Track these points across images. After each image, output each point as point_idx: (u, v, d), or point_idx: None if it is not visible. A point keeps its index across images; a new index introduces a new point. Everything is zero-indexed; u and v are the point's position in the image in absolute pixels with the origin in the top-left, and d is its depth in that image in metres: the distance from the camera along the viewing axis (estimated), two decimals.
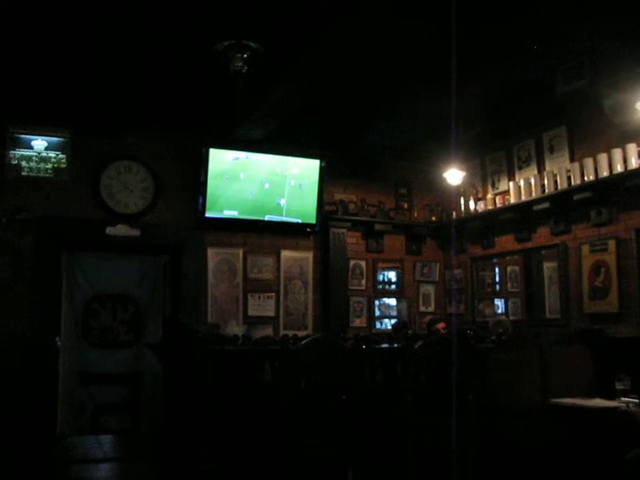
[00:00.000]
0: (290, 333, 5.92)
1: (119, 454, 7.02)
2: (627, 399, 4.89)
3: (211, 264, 7.90)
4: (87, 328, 8.44)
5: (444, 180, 7.98)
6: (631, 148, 6.05)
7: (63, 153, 7.21)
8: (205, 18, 5.04)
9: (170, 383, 5.65)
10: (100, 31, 5.25)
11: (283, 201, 8.00)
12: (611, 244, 6.37)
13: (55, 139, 7.19)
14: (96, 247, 7.86)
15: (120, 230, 7.48)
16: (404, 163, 8.90)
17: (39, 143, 7.14)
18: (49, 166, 7.15)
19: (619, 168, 6.15)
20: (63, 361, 7.82)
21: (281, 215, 8.02)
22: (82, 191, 7.33)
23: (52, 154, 7.17)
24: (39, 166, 7.11)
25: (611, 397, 5.04)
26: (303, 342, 4.78)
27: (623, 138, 6.19)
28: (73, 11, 4.91)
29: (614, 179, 6.22)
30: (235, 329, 6.90)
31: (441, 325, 7.25)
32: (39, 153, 7.12)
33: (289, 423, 4.61)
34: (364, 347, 5.18)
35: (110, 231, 7.44)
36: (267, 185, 7.91)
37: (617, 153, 6.17)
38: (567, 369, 5.52)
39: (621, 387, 5.03)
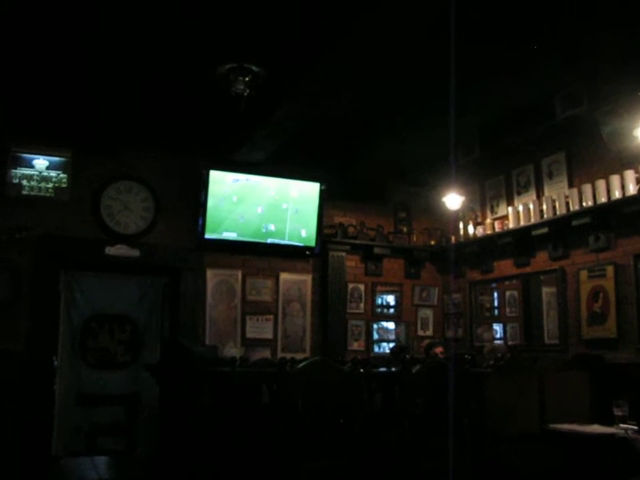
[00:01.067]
0: (288, 356, 5.91)
1: (115, 476, 6.95)
2: (625, 426, 4.87)
3: (209, 285, 7.90)
4: (85, 348, 8.37)
5: (443, 204, 8.00)
6: (629, 174, 6.08)
7: (64, 173, 7.24)
8: (207, 42, 5.10)
9: (167, 405, 5.62)
10: (103, 53, 5.30)
11: (282, 224, 8.02)
12: (609, 270, 6.38)
13: (56, 159, 7.21)
14: (95, 266, 7.84)
15: (119, 250, 7.49)
16: (403, 187, 8.95)
17: (41, 162, 7.16)
18: (50, 185, 7.18)
19: (617, 194, 6.18)
20: (60, 380, 7.76)
21: (281, 238, 8.03)
22: (82, 210, 7.36)
23: (53, 173, 7.20)
24: (39, 185, 7.14)
25: (609, 423, 5.02)
26: (301, 365, 4.77)
27: (621, 164, 6.23)
28: (76, 32, 4.97)
29: (612, 205, 6.25)
30: (233, 350, 6.89)
31: (438, 349, 7.24)
32: (40, 172, 7.15)
33: (286, 446, 4.59)
34: (361, 370, 5.16)
35: (109, 250, 7.45)
36: (266, 208, 7.94)
37: (615, 179, 6.21)
38: (565, 395, 5.50)
39: (619, 413, 5.01)
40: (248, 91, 5.60)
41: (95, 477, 6.62)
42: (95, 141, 7.20)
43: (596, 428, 5.02)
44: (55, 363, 7.57)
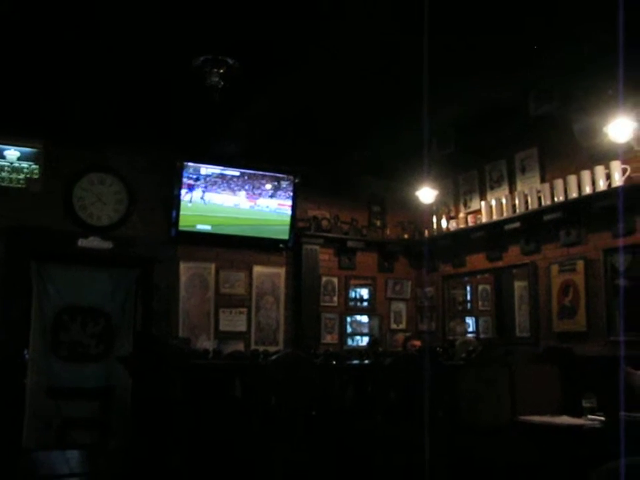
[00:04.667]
0: (261, 349, 5.93)
1: (86, 469, 6.93)
2: (593, 417, 4.96)
3: (183, 278, 7.88)
4: (56, 341, 8.30)
5: (417, 198, 8.05)
6: (599, 170, 6.16)
7: (35, 164, 7.16)
8: (182, 33, 5.07)
9: (140, 397, 5.61)
10: (76, 43, 5.25)
11: (255, 216, 8.02)
12: (580, 264, 6.47)
13: (28, 150, 7.14)
14: (67, 258, 7.78)
15: (92, 242, 7.44)
16: (377, 181, 8.97)
17: (12, 153, 7.08)
18: (22, 176, 7.10)
19: (587, 190, 6.26)
20: (31, 374, 7.69)
21: (254, 230, 8.03)
22: (54, 202, 7.29)
23: (25, 164, 7.12)
24: (11, 176, 7.06)
25: (578, 415, 5.10)
26: (273, 357, 4.79)
27: (592, 160, 6.31)
28: (49, 23, 4.91)
29: (583, 201, 6.33)
30: (206, 343, 6.89)
31: (416, 342, 7.29)
32: (12, 163, 7.07)
33: (259, 438, 4.61)
34: (334, 362, 5.19)
35: (82, 242, 7.40)
36: (240, 200, 7.93)
37: (586, 175, 6.28)
38: (536, 387, 5.58)
39: (588, 405, 5.09)
40: (222, 83, 5.57)
41: (66, 470, 6.59)
42: (67, 132, 7.12)
43: (565, 419, 5.10)
44: (26, 355, 7.50)
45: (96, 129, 7.11)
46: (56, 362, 8.26)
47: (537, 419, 5.18)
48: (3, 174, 7.03)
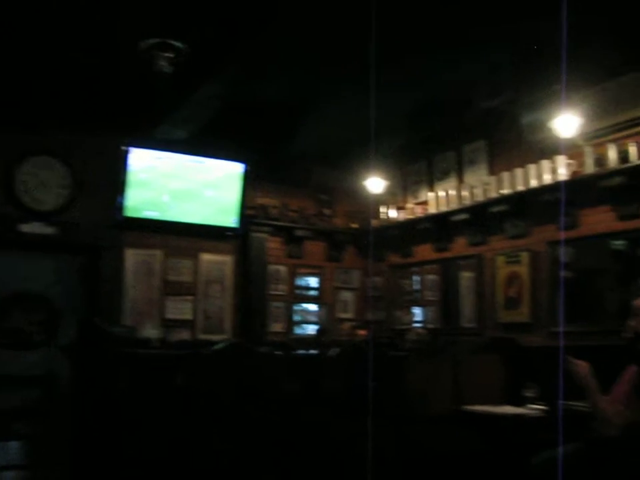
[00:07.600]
0: (208, 337, 5.88)
1: (25, 460, 6.79)
2: (534, 406, 5.03)
3: (129, 265, 7.76)
4: None
5: (366, 188, 8.05)
6: (546, 164, 6.25)
7: None
8: (129, 15, 4.96)
9: (82, 387, 5.50)
10: (19, 22, 5.09)
11: (204, 204, 7.93)
12: (525, 256, 6.56)
13: None
14: (8, 244, 7.58)
15: (34, 227, 7.27)
16: (327, 170, 8.94)
17: None
18: None
19: (533, 183, 6.34)
20: None
21: (202, 218, 7.94)
22: None
23: None
24: None
25: (520, 405, 5.18)
26: (217, 346, 4.74)
27: (539, 154, 6.39)
28: None
29: (529, 194, 6.41)
30: (152, 331, 6.81)
31: (362, 332, 7.30)
32: None
33: (202, 429, 4.56)
34: (279, 352, 5.17)
35: (24, 228, 7.22)
36: (188, 187, 7.83)
37: (532, 169, 6.37)
38: (479, 377, 5.63)
39: (530, 395, 5.17)
40: (171, 67, 5.48)
41: (3, 461, 6.45)
42: (9, 113, 6.91)
43: (508, 409, 5.16)
44: None
45: (41, 112, 6.93)
46: None
47: (480, 408, 5.23)
48: None
